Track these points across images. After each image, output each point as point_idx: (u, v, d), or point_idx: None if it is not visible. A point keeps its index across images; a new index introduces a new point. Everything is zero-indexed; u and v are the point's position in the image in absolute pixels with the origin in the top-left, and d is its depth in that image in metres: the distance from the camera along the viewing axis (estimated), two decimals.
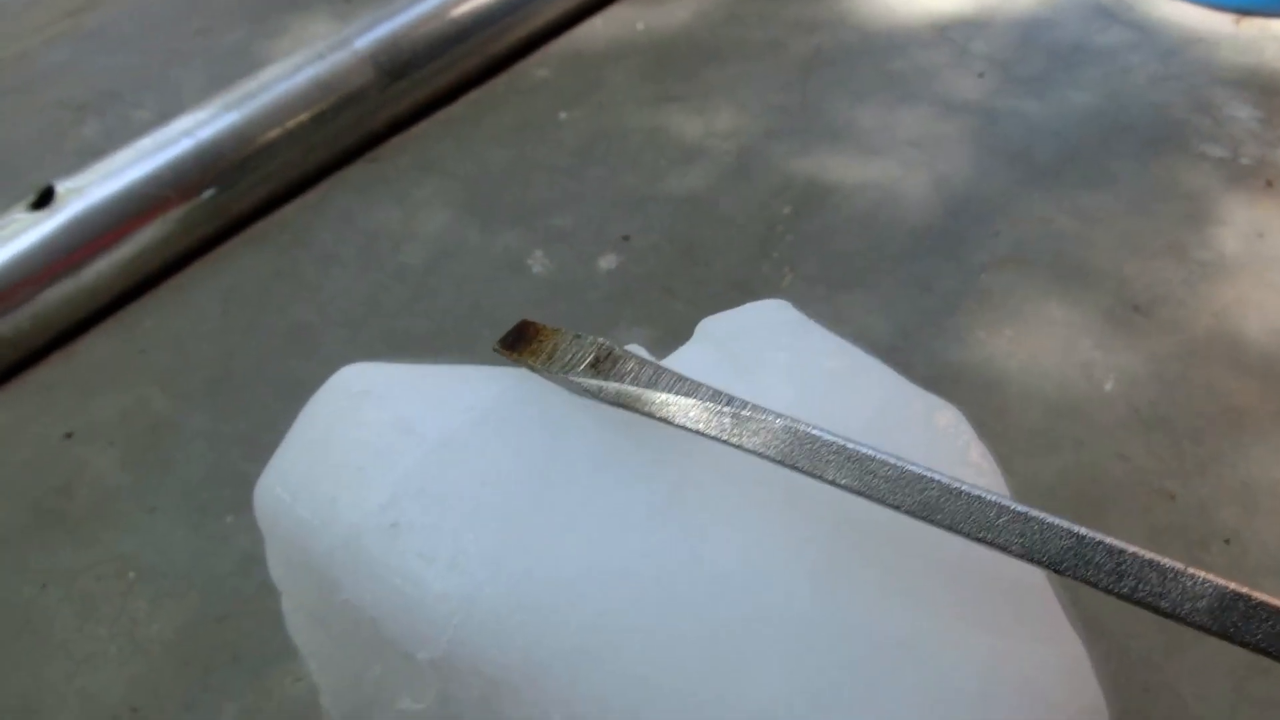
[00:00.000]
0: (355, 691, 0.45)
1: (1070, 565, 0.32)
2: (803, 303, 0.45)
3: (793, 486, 0.36)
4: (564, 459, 0.38)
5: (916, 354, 0.67)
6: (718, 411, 0.37)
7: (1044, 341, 0.68)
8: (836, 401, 0.41)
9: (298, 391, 0.43)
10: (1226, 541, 0.56)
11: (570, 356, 0.40)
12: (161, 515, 0.61)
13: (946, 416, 0.43)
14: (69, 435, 0.67)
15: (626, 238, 0.78)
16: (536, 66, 0.96)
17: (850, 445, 0.35)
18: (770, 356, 0.43)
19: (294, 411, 0.43)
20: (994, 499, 0.33)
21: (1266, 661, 0.51)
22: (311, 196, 0.84)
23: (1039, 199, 0.79)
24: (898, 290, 0.72)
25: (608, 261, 0.76)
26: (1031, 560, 0.32)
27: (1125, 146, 0.83)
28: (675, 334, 0.45)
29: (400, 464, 0.39)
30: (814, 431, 0.35)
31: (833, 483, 0.35)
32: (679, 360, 0.42)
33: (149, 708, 0.53)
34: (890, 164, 0.83)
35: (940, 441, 0.41)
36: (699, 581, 0.35)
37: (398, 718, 0.41)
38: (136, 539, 0.60)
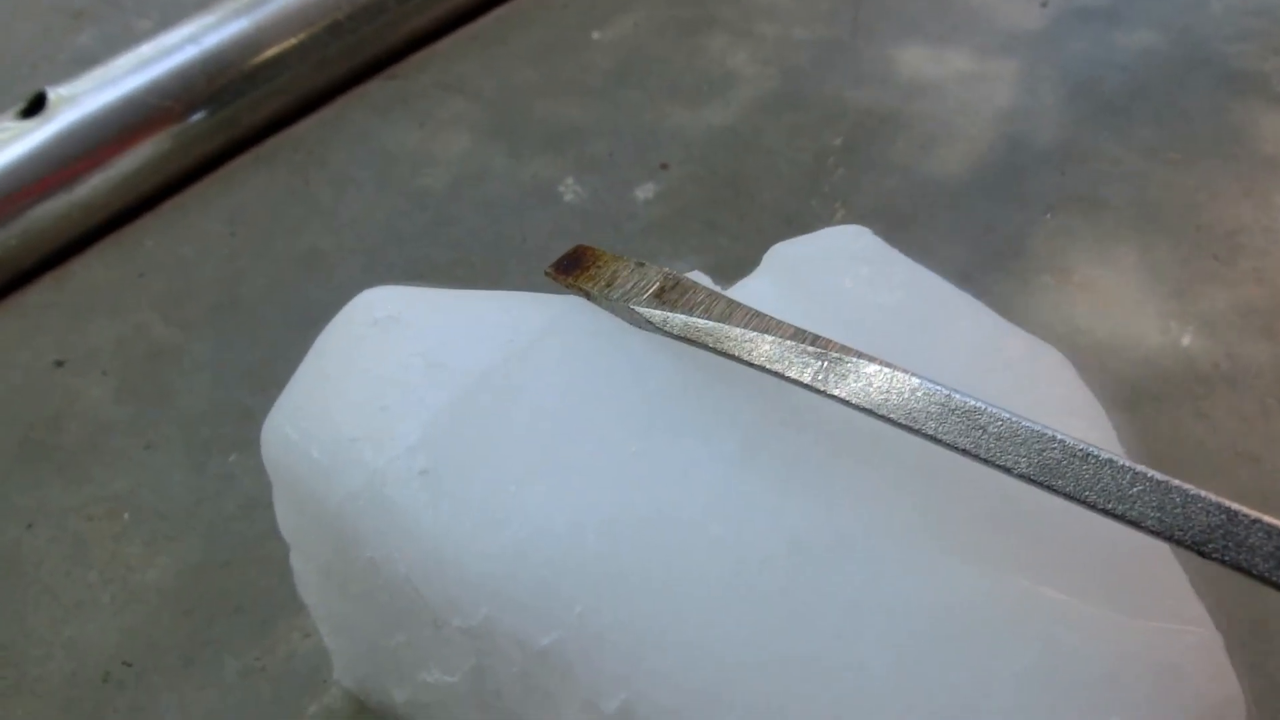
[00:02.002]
0: (370, 660, 0.40)
1: (1219, 547, 0.27)
2: None
3: (886, 439, 0.32)
4: (622, 399, 0.34)
5: (978, 300, 0.63)
6: (802, 352, 0.32)
7: (1116, 290, 0.63)
8: (927, 341, 0.37)
9: (310, 320, 0.40)
10: None
11: (632, 284, 0.35)
12: (159, 452, 0.57)
13: (1050, 360, 0.38)
14: (60, 364, 0.63)
15: (665, 166, 0.73)
16: None
17: (957, 396, 0.30)
18: (849, 288, 0.39)
19: (306, 342, 0.39)
20: (1126, 464, 0.29)
21: None
22: (326, 113, 0.80)
23: (1107, 137, 0.74)
24: (957, 230, 0.68)
25: (645, 191, 0.71)
26: (1172, 539, 0.27)
27: (1200, 84, 0.78)
28: (720, 269, 0.40)
29: (431, 402, 0.34)
30: (914, 379, 0.31)
31: (935, 439, 0.30)
32: (745, 291, 0.38)
33: (143, 661, 0.49)
34: (948, 96, 0.78)
35: (1044, 390, 0.37)
36: (779, 544, 0.31)
37: (420, 691, 0.37)
38: (131, 477, 0.56)
